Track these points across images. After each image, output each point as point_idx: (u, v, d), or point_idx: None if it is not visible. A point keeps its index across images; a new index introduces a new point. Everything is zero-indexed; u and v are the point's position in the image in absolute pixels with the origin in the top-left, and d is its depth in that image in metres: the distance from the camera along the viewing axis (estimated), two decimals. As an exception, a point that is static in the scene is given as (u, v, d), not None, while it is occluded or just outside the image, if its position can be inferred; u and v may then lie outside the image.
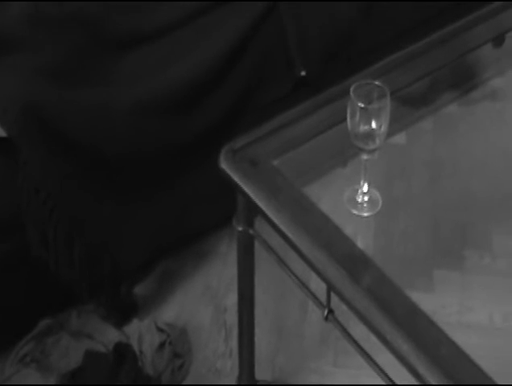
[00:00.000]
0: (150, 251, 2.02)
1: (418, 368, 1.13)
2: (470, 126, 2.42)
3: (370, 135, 1.45)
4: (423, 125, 2.43)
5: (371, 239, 2.00)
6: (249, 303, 1.70)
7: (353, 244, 1.33)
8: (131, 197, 1.93)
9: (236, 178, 1.41)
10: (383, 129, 1.44)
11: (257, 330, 1.77)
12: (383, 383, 1.32)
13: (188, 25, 1.98)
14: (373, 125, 1.44)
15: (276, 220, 1.34)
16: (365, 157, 1.50)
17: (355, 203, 1.56)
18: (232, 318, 2.04)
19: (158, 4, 2.01)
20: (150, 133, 1.90)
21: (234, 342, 1.98)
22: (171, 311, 2.09)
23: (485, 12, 1.76)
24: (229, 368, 1.97)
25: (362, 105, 1.41)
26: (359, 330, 1.30)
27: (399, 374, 1.21)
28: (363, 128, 1.44)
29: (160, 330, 1.97)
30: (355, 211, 1.56)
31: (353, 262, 1.29)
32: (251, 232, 1.53)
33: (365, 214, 1.57)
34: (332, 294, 1.33)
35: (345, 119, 1.45)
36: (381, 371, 1.32)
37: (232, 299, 2.06)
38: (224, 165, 1.43)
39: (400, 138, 2.33)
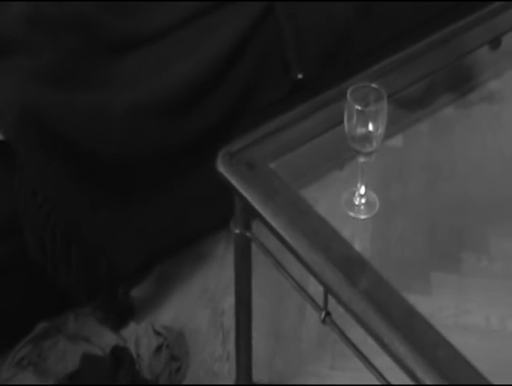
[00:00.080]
0: (147, 254, 2.02)
1: (415, 371, 1.13)
2: (467, 129, 2.42)
3: (367, 138, 1.45)
4: (420, 127, 2.43)
5: (368, 241, 2.01)
6: (247, 306, 1.70)
7: (350, 246, 1.33)
8: (128, 200, 1.92)
9: (233, 181, 1.41)
10: (380, 131, 1.44)
11: (254, 333, 1.77)
12: (381, 386, 1.33)
13: (186, 27, 1.98)
14: (370, 127, 1.44)
15: (273, 223, 1.34)
16: (362, 159, 1.50)
17: (352, 206, 1.56)
18: (229, 320, 2.04)
19: (156, 6, 2.01)
20: (147, 136, 1.90)
21: (231, 345, 1.98)
22: (168, 314, 2.09)
23: (482, 14, 1.76)
24: (227, 371, 1.97)
25: (359, 108, 1.41)
26: (356, 333, 1.30)
27: (397, 376, 1.21)
28: (360, 130, 1.44)
29: (157, 333, 1.97)
30: (352, 214, 1.56)
31: (350, 265, 1.29)
32: (248, 234, 1.53)
33: (363, 216, 1.57)
34: (330, 297, 1.33)
35: (342, 122, 1.45)
36: (379, 374, 1.32)
37: (229, 302, 2.06)
38: (221, 168, 1.43)
39: (397, 141, 2.34)
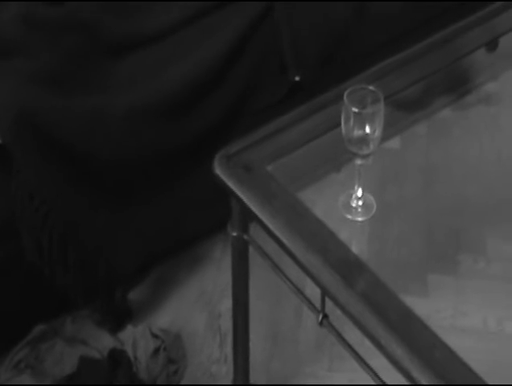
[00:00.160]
0: (144, 256, 2.02)
1: (412, 372, 1.13)
2: (464, 131, 2.42)
3: (364, 140, 1.45)
4: (417, 129, 2.44)
5: (365, 244, 2.01)
6: (244, 309, 1.70)
7: (348, 248, 1.33)
8: (125, 202, 1.92)
9: (230, 183, 1.41)
10: (377, 133, 1.44)
11: (251, 336, 1.77)
12: (378, 388, 1.33)
13: (184, 28, 1.98)
14: (367, 129, 1.44)
15: (271, 226, 1.34)
16: (359, 162, 1.50)
17: (349, 208, 1.56)
18: (226, 323, 2.04)
19: (154, 7, 2.01)
20: (145, 139, 1.90)
21: (229, 348, 1.98)
22: (165, 317, 2.09)
23: (479, 16, 1.77)
24: (224, 374, 1.97)
25: (356, 110, 1.41)
26: (354, 335, 1.30)
27: (394, 378, 1.21)
28: (357, 133, 1.44)
29: (155, 335, 1.97)
30: (349, 216, 1.56)
31: (348, 267, 1.29)
32: (246, 237, 1.53)
33: (360, 219, 1.57)
34: (327, 299, 1.33)
35: (339, 124, 1.45)
36: (376, 376, 1.32)
37: (226, 305, 2.05)
38: (218, 170, 1.43)
39: (394, 143, 2.34)
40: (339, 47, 2.14)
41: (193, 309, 2.11)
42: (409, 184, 2.30)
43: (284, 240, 1.32)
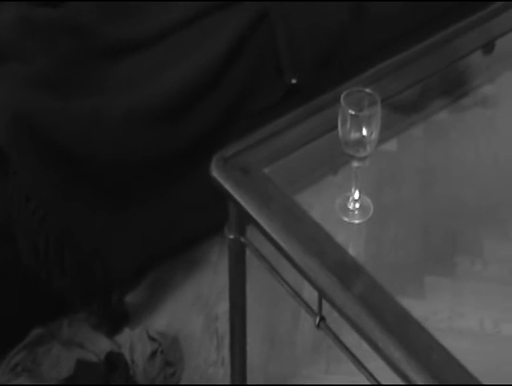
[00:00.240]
0: (141, 259, 2.02)
1: (409, 375, 1.13)
2: (461, 133, 2.43)
3: (361, 142, 1.45)
4: (413, 132, 2.44)
5: (362, 246, 2.01)
6: (241, 311, 1.70)
7: (345, 251, 1.33)
8: (122, 205, 1.92)
9: (227, 186, 1.41)
10: (374, 136, 1.44)
11: (249, 339, 1.77)
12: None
13: (181, 30, 1.98)
14: (364, 132, 1.44)
15: (268, 228, 1.34)
16: (356, 164, 1.50)
17: (346, 211, 1.56)
18: (223, 326, 2.04)
19: (151, 10, 2.01)
20: (142, 141, 1.90)
21: (226, 351, 1.98)
22: (162, 320, 2.08)
23: (475, 19, 1.77)
24: (221, 376, 1.97)
25: (353, 113, 1.41)
26: (351, 338, 1.29)
27: (391, 380, 1.21)
28: (354, 135, 1.44)
29: (152, 338, 1.97)
30: (346, 219, 1.56)
31: (345, 269, 1.29)
32: (243, 240, 1.53)
33: (357, 221, 1.57)
34: (324, 302, 1.33)
35: (336, 126, 1.45)
36: (373, 378, 1.31)
37: (223, 307, 2.05)
38: (215, 173, 1.42)
39: (391, 145, 2.34)
40: (336, 49, 2.14)
41: (190, 311, 2.11)
42: (406, 186, 2.30)
43: (281, 243, 1.32)
